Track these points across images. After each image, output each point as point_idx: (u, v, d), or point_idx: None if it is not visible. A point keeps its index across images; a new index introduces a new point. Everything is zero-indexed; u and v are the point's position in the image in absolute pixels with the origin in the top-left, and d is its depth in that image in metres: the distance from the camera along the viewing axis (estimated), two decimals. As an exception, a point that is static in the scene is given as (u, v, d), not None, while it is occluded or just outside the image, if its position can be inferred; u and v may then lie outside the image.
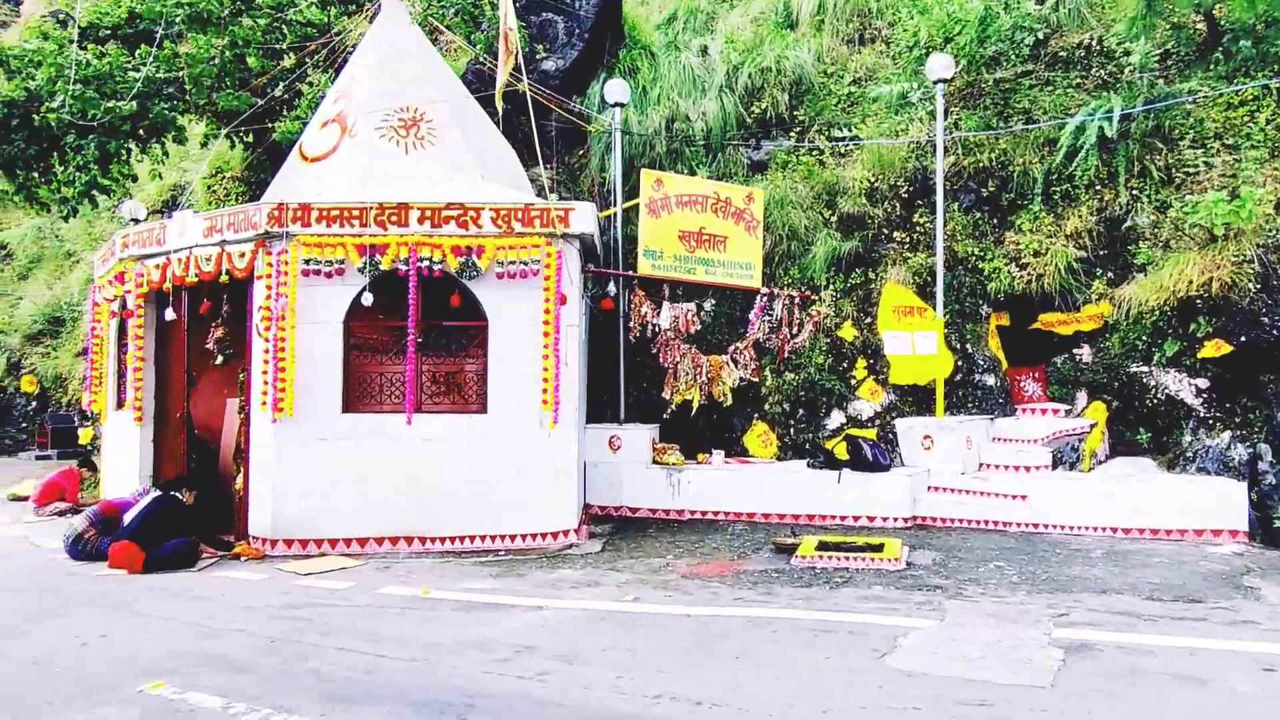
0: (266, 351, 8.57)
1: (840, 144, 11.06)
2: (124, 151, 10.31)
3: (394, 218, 8.56)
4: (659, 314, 9.48)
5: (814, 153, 11.26)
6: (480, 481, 8.56)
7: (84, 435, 19.68)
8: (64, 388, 20.48)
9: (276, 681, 4.88)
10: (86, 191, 10.60)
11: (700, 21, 14.07)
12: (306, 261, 8.54)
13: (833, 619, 5.81)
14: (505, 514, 8.58)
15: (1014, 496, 8.69)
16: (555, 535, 8.61)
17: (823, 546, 7.68)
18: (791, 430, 10.05)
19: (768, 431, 10.07)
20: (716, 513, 9.37)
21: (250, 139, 12.43)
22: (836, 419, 9.94)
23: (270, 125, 12.12)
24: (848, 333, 10.02)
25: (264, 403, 8.57)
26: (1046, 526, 8.52)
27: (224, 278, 8.90)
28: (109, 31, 10.57)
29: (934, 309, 9.68)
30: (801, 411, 10.03)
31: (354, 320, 8.69)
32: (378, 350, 8.85)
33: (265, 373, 8.57)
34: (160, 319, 9.92)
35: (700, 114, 11.69)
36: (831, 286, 10.22)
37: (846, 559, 7.39)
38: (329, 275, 8.59)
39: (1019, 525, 8.63)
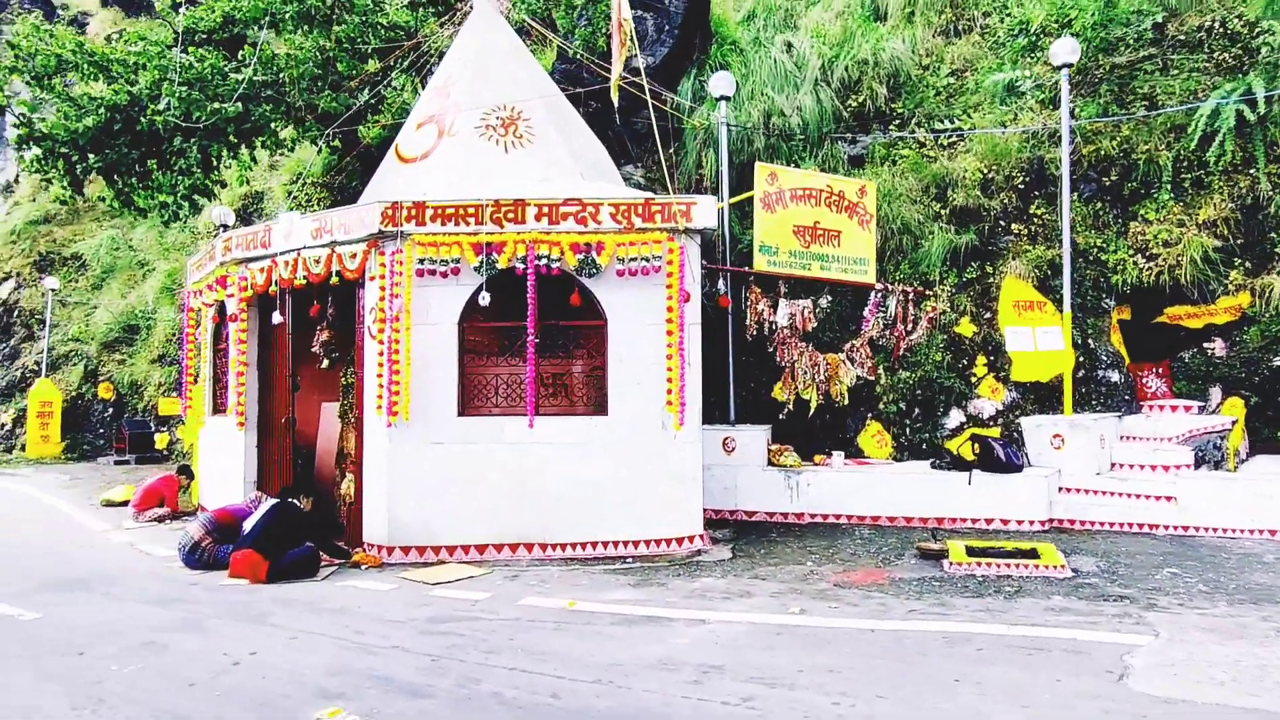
0: (380, 354, 8.11)
1: (947, 135, 10.43)
2: (223, 155, 9.90)
3: (510, 215, 8.06)
4: (775, 311, 8.90)
5: (915, 145, 10.64)
6: (601, 486, 8.04)
7: (160, 440, 19.46)
8: (139, 394, 20.27)
9: (461, 708, 4.37)
10: (188, 195, 10.20)
11: (779, 18, 13.48)
12: (421, 261, 8.06)
13: (1037, 635, 5.21)
14: (628, 519, 8.05)
15: (1160, 498, 8.03)
16: (680, 541, 8.06)
17: (971, 551, 7.07)
18: (907, 430, 9.44)
19: (882, 431, 9.46)
20: (838, 516, 8.77)
21: (336, 142, 12.00)
22: (955, 418, 9.31)
23: (354, 129, 11.69)
24: (966, 329, 9.40)
25: (378, 406, 8.10)
26: (1199, 529, 7.85)
27: (334, 279, 8.45)
28: (204, 36, 10.18)
29: (1055, 303, 9.06)
30: (917, 410, 9.41)
31: (467, 321, 8.20)
32: (492, 352, 8.35)
33: (380, 376, 8.10)
34: (263, 323, 9.51)
35: (795, 108, 11.11)
36: (945, 281, 9.60)
37: (1005, 566, 6.78)
38: (444, 275, 8.11)
39: (1167, 528, 7.96)
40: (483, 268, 8.00)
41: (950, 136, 10.45)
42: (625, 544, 8.03)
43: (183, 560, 7.96)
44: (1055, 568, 6.68)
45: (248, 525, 7.65)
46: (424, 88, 12.13)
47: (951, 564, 6.89)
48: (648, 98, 10.13)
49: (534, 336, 7.96)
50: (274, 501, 7.75)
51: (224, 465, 9.89)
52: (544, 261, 7.97)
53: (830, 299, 9.62)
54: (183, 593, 7.03)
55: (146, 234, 22.65)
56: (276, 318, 8.95)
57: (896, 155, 10.74)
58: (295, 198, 14.59)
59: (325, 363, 9.44)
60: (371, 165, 12.32)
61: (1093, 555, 7.25)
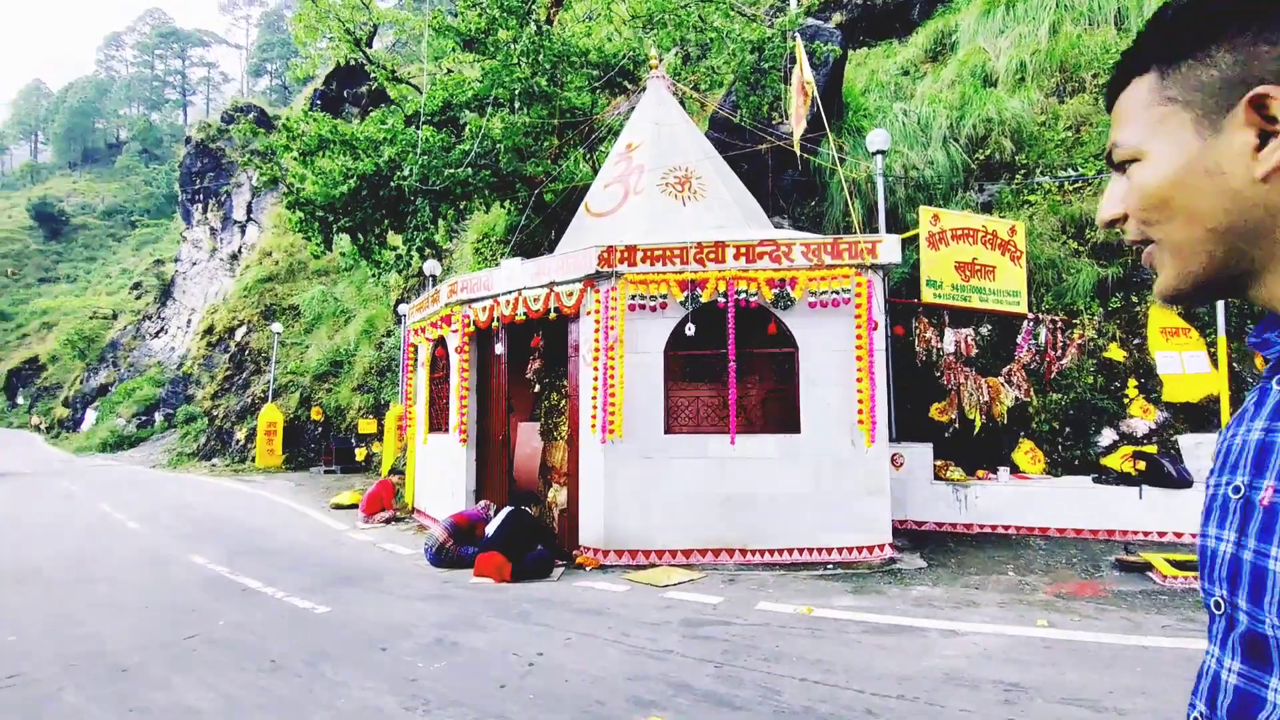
0: (596, 380, 7.49)
1: (1071, 180, 9.37)
2: (449, 214, 9.61)
3: (712, 255, 7.39)
4: (942, 339, 7.96)
5: (1044, 191, 9.61)
6: (796, 497, 7.20)
7: (359, 454, 19.42)
8: (343, 416, 20.35)
9: (786, 723, 3.57)
10: (422, 248, 9.92)
11: (891, 90, 12.66)
12: (632, 297, 7.45)
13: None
14: (821, 528, 7.17)
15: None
16: (871, 549, 7.13)
17: (1176, 565, 5.95)
18: (1059, 448, 8.32)
19: (1034, 449, 8.36)
20: (1006, 527, 7.71)
21: (520, 203, 11.63)
22: (1108, 436, 8.15)
23: (539, 192, 11.29)
24: (1116, 354, 8.27)
25: (594, 425, 7.46)
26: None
27: (551, 315, 7.92)
28: (427, 119, 9.95)
29: (1199, 329, 7.88)
30: (1069, 429, 8.29)
31: (671, 350, 7.53)
32: (693, 377, 7.65)
33: (595, 398, 7.48)
34: (482, 354, 9.06)
35: (928, 162, 10.23)
36: (1088, 310, 8.50)
37: (1223, 580, 5.63)
38: (652, 309, 7.47)
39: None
40: (688, 302, 7.34)
41: (1076, 182, 9.39)
42: (820, 551, 7.14)
43: (428, 559, 7.43)
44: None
45: (489, 529, 7.08)
46: (588, 157, 11.70)
47: (1166, 577, 5.79)
48: (798, 152, 9.42)
49: (734, 363, 7.24)
50: (509, 509, 7.16)
51: (446, 476, 9.42)
52: (743, 295, 7.26)
53: (990, 328, 8.63)
54: (443, 589, 6.46)
55: (346, 288, 23.03)
56: (499, 348, 8.47)
57: (1024, 200, 9.73)
58: (481, 253, 14.33)
59: (537, 387, 8.91)
60: (549, 223, 11.94)
61: None
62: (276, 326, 21.15)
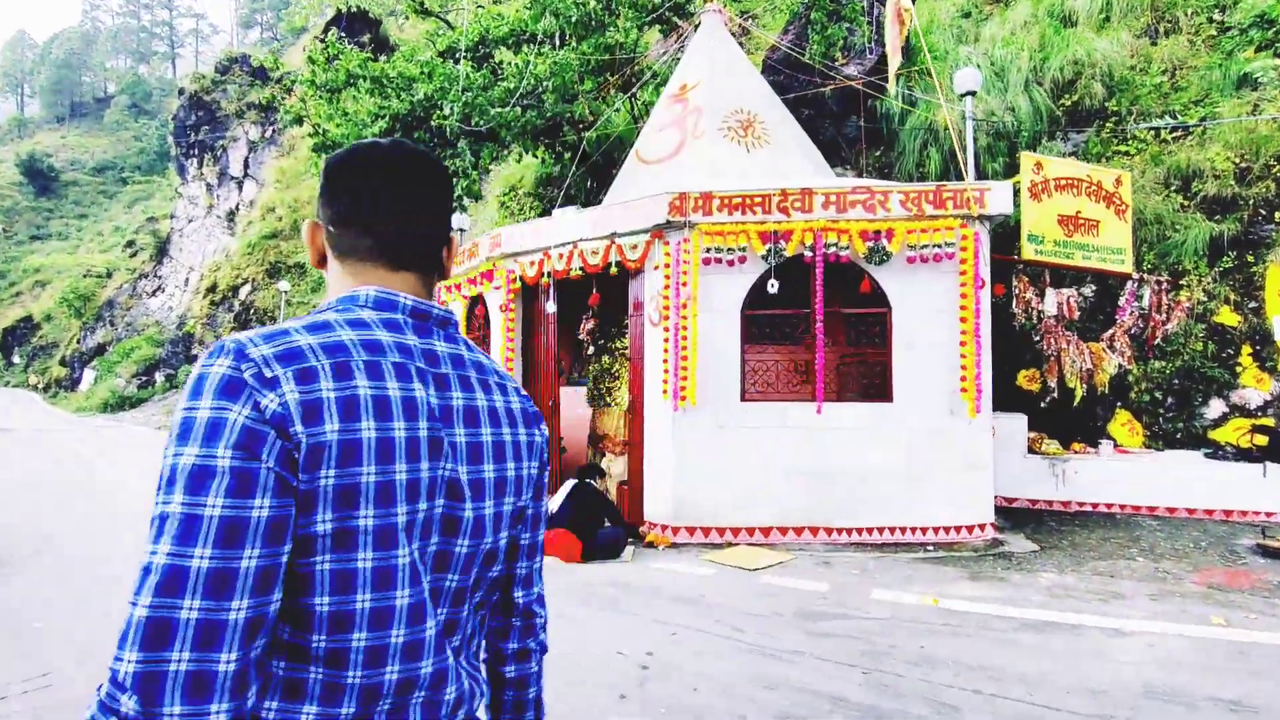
0: (666, 341, 6.80)
1: (1169, 129, 8.58)
2: (488, 159, 8.76)
3: (798, 203, 6.64)
4: (1043, 300, 7.27)
5: (1134, 141, 8.82)
6: (888, 471, 6.57)
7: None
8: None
9: (989, 752, 2.96)
10: (460, 196, 9.10)
11: (952, 34, 11.72)
12: (706, 250, 6.71)
13: None
14: (915, 505, 6.56)
15: None
16: (970, 529, 6.53)
17: (1327, 552, 5.36)
18: (1160, 419, 7.68)
19: (1132, 420, 7.73)
20: (1109, 505, 7.12)
21: (561, 149, 10.76)
22: (1216, 408, 7.52)
23: (580, 138, 10.43)
24: (1229, 318, 7.59)
25: (664, 391, 6.79)
26: None
27: (612, 269, 7.19)
28: (462, 53, 9.05)
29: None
30: (1170, 400, 7.65)
31: (749, 309, 6.82)
32: (772, 339, 6.96)
33: (666, 362, 6.80)
34: (527, 312, 8.35)
35: (1008, 108, 9.40)
36: (1196, 271, 7.79)
37: (1393, 570, 5.05)
38: (730, 264, 6.74)
39: None
40: (770, 255, 6.61)
41: (1175, 131, 8.60)
42: (912, 530, 6.55)
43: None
44: None
45: (552, 505, 6.44)
46: (631, 103, 10.82)
47: (1324, 566, 5.21)
48: (893, 88, 8.58)
49: (821, 323, 6.55)
50: (573, 481, 6.50)
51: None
52: (833, 249, 6.53)
53: (1094, 288, 7.93)
54: (506, 571, 5.84)
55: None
56: (551, 306, 7.75)
57: (1115, 151, 8.94)
58: (508, 206, 13.49)
59: (590, 349, 8.22)
60: (587, 174, 11.10)
61: None
62: (283, 284, 20.32)
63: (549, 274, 7.79)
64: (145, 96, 74.46)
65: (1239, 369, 7.47)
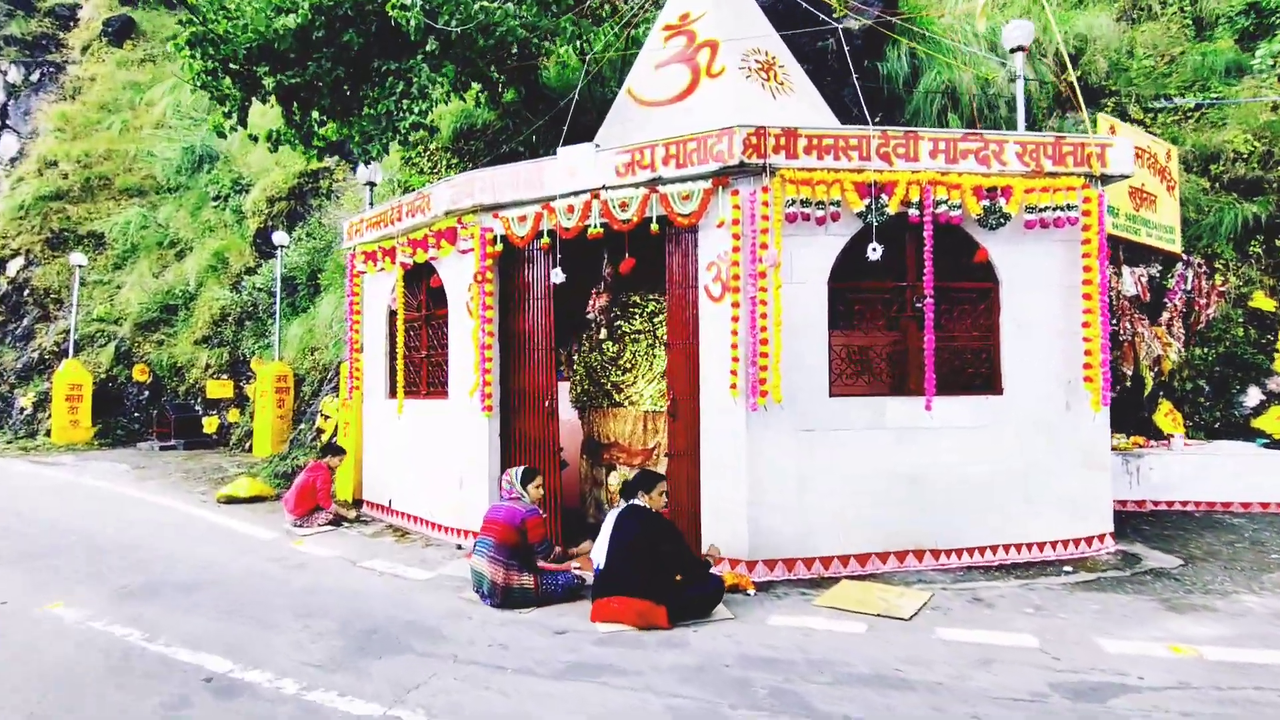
0: (735, 321, 5.24)
1: (1170, 112, 8.39)
2: (446, 80, 6.42)
3: (901, 149, 5.36)
4: (1120, 279, 6.58)
5: (1138, 123, 8.57)
6: (997, 475, 5.51)
7: (209, 424, 15.23)
8: (181, 375, 15.88)
9: None
10: (411, 128, 6.75)
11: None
12: (789, 203, 5.24)
13: None
14: (1029, 516, 5.55)
15: None
16: (1090, 540, 5.63)
17: None
18: (1201, 409, 7.35)
19: (1173, 410, 7.34)
20: (1184, 503, 6.60)
21: (495, 92, 8.71)
22: (1254, 396, 7.30)
23: (533, 73, 8.48)
24: (1265, 302, 7.40)
25: (732, 386, 5.23)
26: None
27: (653, 227, 5.50)
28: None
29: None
30: (1208, 388, 7.34)
31: (835, 281, 5.44)
32: (861, 318, 5.62)
33: (735, 347, 5.23)
34: (506, 284, 6.37)
35: (1010, 79, 8.81)
36: (1224, 255, 7.56)
37: None
38: (820, 221, 5.32)
39: None
40: (869, 213, 5.27)
41: (1175, 113, 8.43)
42: (1028, 546, 5.53)
43: (489, 604, 4.79)
44: None
45: (597, 553, 4.60)
46: (582, 45, 9.00)
47: None
48: (979, 28, 7.56)
49: (931, 298, 5.31)
50: (620, 508, 4.70)
51: (448, 459, 6.67)
52: (944, 208, 5.32)
53: (1159, 268, 7.40)
54: (573, 654, 3.98)
55: (178, 212, 17.98)
56: (558, 275, 5.86)
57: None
58: (415, 165, 11.08)
59: (604, 333, 6.41)
60: (533, 121, 9.14)
61: None
62: (77, 258, 15.96)
63: (548, 232, 5.91)
64: None
65: (1276, 355, 7.30)
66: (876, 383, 5.56)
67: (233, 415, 15.17)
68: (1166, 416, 7.35)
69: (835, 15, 8.88)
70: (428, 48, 5.76)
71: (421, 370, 7.27)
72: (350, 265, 7.96)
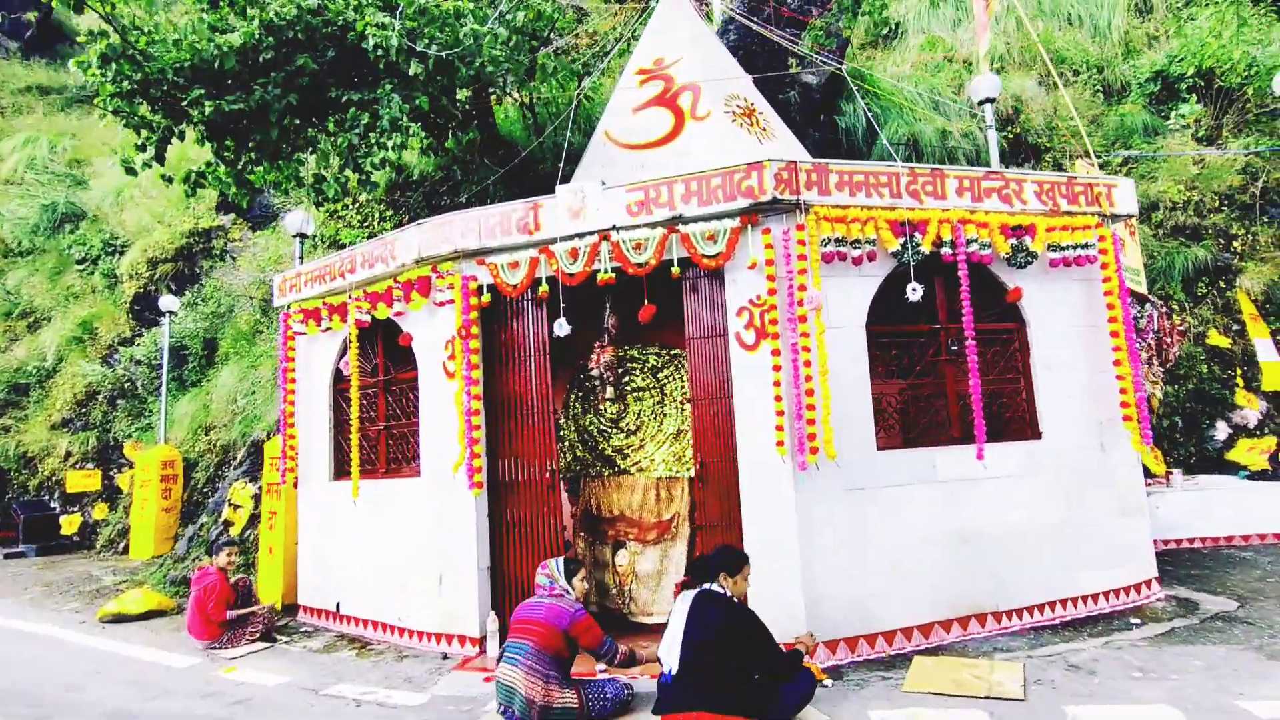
0: (777, 370, 4.72)
1: (1147, 160, 8.92)
2: (404, 120, 5.55)
3: (929, 187, 5.15)
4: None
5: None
6: (1040, 526, 5.20)
7: (68, 524, 12.89)
8: (32, 468, 13.46)
9: None
10: (374, 168, 5.84)
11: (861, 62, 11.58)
12: (825, 242, 4.86)
13: None
14: (1073, 567, 5.25)
15: None
16: (1138, 588, 5.38)
17: None
18: (1176, 444, 7.51)
19: (1153, 447, 7.44)
20: (1191, 540, 6.58)
21: (459, 131, 8.05)
22: (1223, 430, 7.55)
23: (488, 121, 7.93)
24: (1220, 340, 7.75)
25: (778, 444, 4.67)
26: None
27: (674, 270, 4.96)
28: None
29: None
30: (1181, 424, 7.53)
31: (871, 324, 5.08)
32: (894, 363, 5.25)
33: (779, 400, 4.70)
34: (491, 344, 5.58)
35: (963, 135, 9.14)
36: (1175, 297, 7.93)
37: None
38: (856, 261, 4.96)
39: None
40: (905, 252, 4.98)
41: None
42: (1078, 600, 5.20)
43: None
44: None
45: (665, 655, 3.81)
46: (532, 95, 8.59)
47: None
48: (984, 65, 7.63)
49: (974, 341, 5.03)
50: (693, 596, 3.94)
51: (420, 551, 5.63)
52: (975, 246, 5.12)
53: (1137, 307, 7.55)
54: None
55: (30, 278, 15.63)
56: (562, 327, 5.14)
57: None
58: (342, 217, 10.07)
59: (610, 392, 5.68)
60: (472, 174, 8.50)
61: None
62: (-100, 331, 13.41)
63: (547, 279, 5.22)
64: None
65: (1235, 390, 7.63)
66: (920, 433, 5.17)
67: (100, 511, 12.94)
68: (1151, 454, 7.45)
69: (791, 69, 8.92)
70: (412, 72, 5.04)
71: (379, 445, 6.23)
72: (284, 326, 6.85)
